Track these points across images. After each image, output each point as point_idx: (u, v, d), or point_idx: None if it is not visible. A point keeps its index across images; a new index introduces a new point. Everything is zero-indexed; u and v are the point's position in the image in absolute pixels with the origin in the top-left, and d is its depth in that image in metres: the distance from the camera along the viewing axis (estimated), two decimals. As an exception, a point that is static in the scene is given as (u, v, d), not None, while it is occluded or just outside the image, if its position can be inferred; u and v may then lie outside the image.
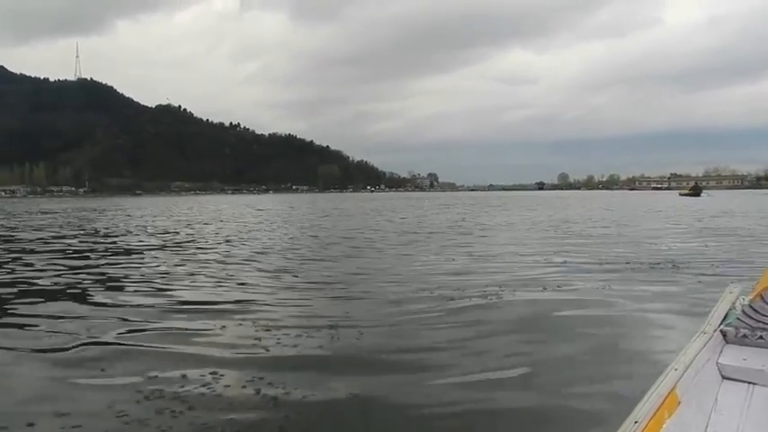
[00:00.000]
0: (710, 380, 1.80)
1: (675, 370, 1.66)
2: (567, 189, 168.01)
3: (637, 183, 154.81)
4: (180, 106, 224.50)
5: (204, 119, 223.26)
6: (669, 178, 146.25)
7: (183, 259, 7.66)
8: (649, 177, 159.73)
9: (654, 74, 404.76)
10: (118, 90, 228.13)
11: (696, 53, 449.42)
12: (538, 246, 9.00)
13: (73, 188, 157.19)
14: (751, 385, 1.77)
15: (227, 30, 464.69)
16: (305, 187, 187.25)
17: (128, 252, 8.58)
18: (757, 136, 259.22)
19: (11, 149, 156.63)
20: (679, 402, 1.55)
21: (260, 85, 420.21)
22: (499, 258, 7.42)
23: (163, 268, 6.73)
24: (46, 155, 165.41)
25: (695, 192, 52.93)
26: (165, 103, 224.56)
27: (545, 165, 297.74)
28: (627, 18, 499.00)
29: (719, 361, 1.87)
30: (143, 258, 7.77)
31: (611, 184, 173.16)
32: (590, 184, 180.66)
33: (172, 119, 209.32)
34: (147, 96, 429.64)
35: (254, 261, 7.39)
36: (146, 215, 22.51)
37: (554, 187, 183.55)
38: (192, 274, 6.24)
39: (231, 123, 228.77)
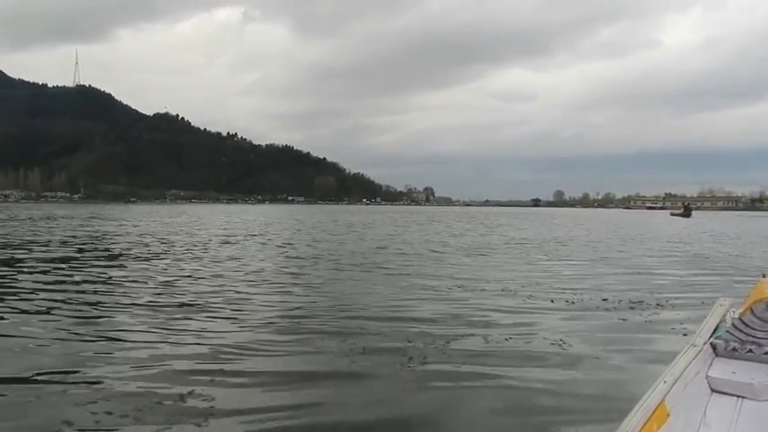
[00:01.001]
0: (700, 393, 1.78)
1: (665, 382, 1.63)
2: (562, 206, 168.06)
3: (632, 202, 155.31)
4: (177, 115, 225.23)
5: (201, 128, 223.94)
6: (664, 198, 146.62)
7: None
8: (644, 197, 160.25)
9: (652, 94, 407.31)
10: (116, 97, 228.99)
11: (694, 74, 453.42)
12: (510, 278, 8.22)
13: (67, 194, 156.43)
14: (740, 399, 1.75)
15: (229, 40, 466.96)
16: (301, 198, 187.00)
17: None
18: (754, 157, 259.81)
19: (7, 154, 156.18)
20: (668, 415, 1.53)
21: (258, 96, 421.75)
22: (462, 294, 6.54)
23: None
24: (42, 160, 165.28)
25: (685, 213, 54.91)
26: (162, 111, 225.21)
27: (541, 181, 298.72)
28: (627, 39, 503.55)
29: (709, 374, 1.86)
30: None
31: (607, 202, 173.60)
32: (585, 202, 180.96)
33: (169, 127, 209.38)
34: (146, 104, 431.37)
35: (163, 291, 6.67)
36: (113, 227, 21.86)
37: (549, 204, 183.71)
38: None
39: (228, 133, 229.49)
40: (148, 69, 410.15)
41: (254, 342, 4.24)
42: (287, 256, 11.10)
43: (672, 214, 59.25)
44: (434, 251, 12.62)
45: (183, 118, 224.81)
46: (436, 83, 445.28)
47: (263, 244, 14.30)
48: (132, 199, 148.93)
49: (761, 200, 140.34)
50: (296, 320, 5.04)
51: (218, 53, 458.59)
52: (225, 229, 21.51)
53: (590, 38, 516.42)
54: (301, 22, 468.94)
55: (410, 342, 4.25)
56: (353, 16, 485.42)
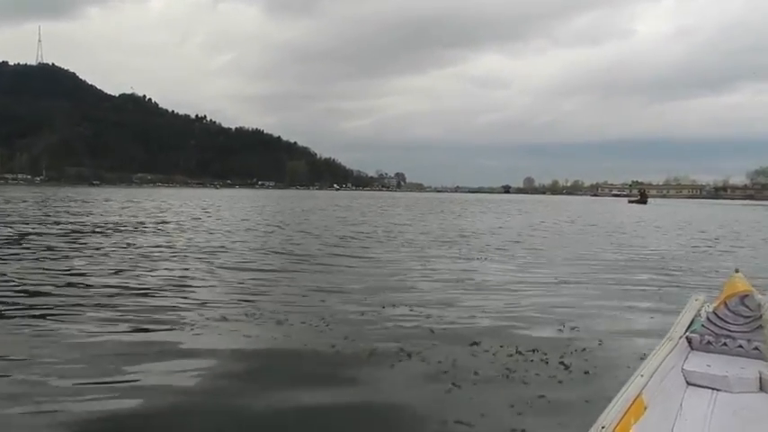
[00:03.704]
0: (676, 386, 1.82)
1: (642, 376, 1.66)
2: (532, 193, 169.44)
3: (599, 189, 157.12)
4: (145, 96, 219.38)
5: (169, 110, 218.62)
6: (630, 186, 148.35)
7: None
8: (612, 184, 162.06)
9: (624, 83, 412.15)
10: (80, 77, 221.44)
11: (666, 64, 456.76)
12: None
13: (29, 176, 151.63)
14: (715, 391, 1.80)
15: (201, 20, 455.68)
16: (271, 183, 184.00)
17: None
18: (720, 147, 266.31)
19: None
20: (645, 408, 1.55)
21: (231, 78, 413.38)
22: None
23: None
24: (2, 141, 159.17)
25: (642, 200, 57.29)
26: (129, 92, 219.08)
27: (513, 168, 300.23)
28: (602, 27, 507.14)
29: (684, 367, 1.90)
30: None
31: (576, 189, 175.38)
32: (555, 189, 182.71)
33: (135, 108, 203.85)
34: (114, 85, 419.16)
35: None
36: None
37: (519, 191, 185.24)
38: None
39: (197, 115, 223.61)
40: (118, 48, 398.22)
41: None
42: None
43: (629, 201, 61.50)
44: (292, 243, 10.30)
45: (150, 99, 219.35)
46: (412, 68, 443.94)
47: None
48: (96, 182, 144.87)
49: (724, 188, 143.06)
50: None
51: (189, 33, 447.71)
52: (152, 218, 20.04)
53: (566, 25, 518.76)
54: (275, 1, 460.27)
55: None
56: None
